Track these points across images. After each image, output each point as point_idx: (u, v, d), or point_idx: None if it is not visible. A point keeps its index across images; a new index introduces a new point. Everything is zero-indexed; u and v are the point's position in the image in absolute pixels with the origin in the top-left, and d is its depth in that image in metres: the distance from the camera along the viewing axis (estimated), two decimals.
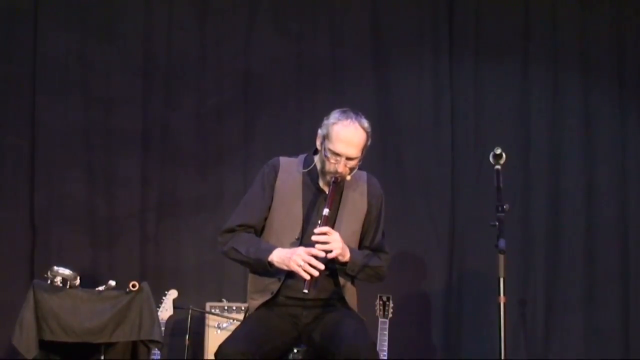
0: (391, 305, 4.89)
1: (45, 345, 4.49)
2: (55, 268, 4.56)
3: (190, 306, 4.88)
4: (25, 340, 4.37)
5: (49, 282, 4.53)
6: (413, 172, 5.54)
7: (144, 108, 5.42)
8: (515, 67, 5.63)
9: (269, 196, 3.47)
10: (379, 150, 5.53)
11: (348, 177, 3.45)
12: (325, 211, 3.32)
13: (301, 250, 3.29)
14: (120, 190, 5.35)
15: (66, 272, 4.56)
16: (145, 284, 4.61)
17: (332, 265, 3.42)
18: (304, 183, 3.48)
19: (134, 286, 4.54)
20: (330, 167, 3.40)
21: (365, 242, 3.57)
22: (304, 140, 5.32)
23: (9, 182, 5.27)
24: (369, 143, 3.46)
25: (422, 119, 5.58)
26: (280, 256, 3.33)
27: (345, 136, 3.39)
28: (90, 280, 4.92)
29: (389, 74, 5.59)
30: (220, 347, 3.20)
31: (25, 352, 4.36)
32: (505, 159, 3.50)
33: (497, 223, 3.35)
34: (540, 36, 5.64)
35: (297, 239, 3.40)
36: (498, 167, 3.50)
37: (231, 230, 3.46)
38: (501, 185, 3.46)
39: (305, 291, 3.24)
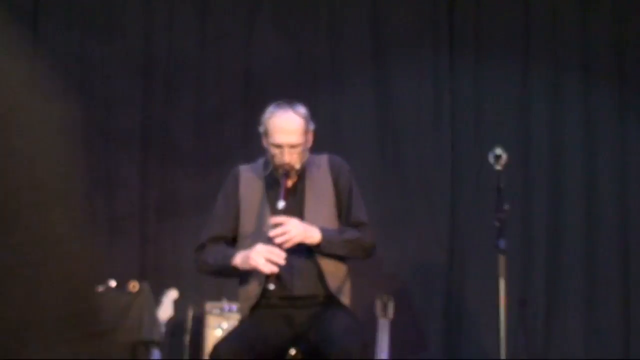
0: (391, 305, 4.89)
1: None
2: None
3: (190, 306, 4.88)
4: None
5: None
6: (413, 172, 5.53)
7: (144, 108, 5.42)
8: (515, 67, 5.63)
9: (234, 204, 3.49)
10: (379, 150, 5.55)
11: (297, 166, 3.41)
12: (281, 204, 3.28)
13: (259, 246, 3.27)
14: (120, 190, 5.35)
15: None
16: (145, 284, 4.61)
17: (308, 254, 3.37)
18: (266, 185, 3.48)
19: (134, 286, 4.54)
20: (277, 160, 3.40)
21: (343, 221, 3.51)
22: None
23: None
24: (310, 127, 3.47)
25: (422, 119, 5.58)
26: (241, 257, 3.33)
27: (281, 125, 3.39)
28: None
29: (389, 74, 5.59)
30: (214, 347, 3.21)
31: None
32: (505, 159, 3.51)
33: (497, 223, 3.36)
34: (540, 36, 5.64)
35: (269, 240, 3.39)
36: (498, 167, 3.51)
37: (203, 247, 3.49)
38: (501, 185, 3.46)
39: (271, 287, 3.22)
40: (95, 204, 5.31)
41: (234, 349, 3.15)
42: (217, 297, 5.06)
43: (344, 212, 3.50)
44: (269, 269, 3.20)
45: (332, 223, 3.48)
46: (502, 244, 3.31)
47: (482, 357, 5.13)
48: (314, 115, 5.51)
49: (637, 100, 5.62)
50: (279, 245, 3.23)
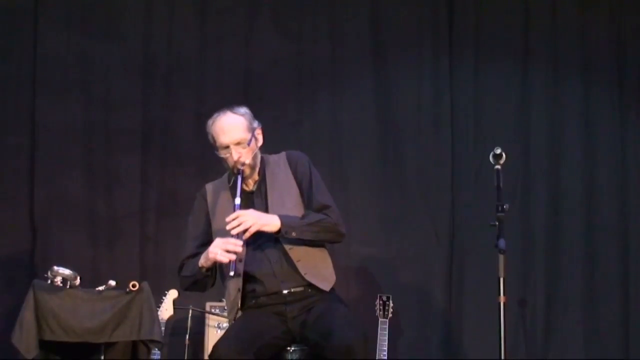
0: (391, 305, 4.89)
1: (45, 345, 4.49)
2: (55, 268, 4.56)
3: (190, 306, 4.88)
4: (25, 340, 4.37)
5: (49, 282, 4.53)
6: (413, 172, 5.53)
7: (144, 108, 5.42)
8: (515, 67, 5.63)
9: (204, 221, 3.56)
10: (379, 150, 5.54)
11: (248, 160, 3.45)
12: (237, 200, 3.34)
13: (216, 240, 3.34)
14: (120, 190, 5.35)
15: (66, 272, 4.56)
16: (145, 284, 4.61)
17: (279, 247, 3.40)
18: (233, 195, 3.47)
19: (134, 286, 4.54)
20: (229, 162, 3.46)
21: (309, 207, 3.51)
22: (304, 140, 5.34)
23: (9, 182, 5.28)
24: (254, 124, 3.53)
25: (422, 119, 5.58)
26: (203, 256, 3.40)
27: (222, 126, 3.49)
28: (90, 280, 4.92)
29: (389, 74, 5.59)
30: (214, 348, 3.23)
31: (25, 352, 4.36)
32: (505, 159, 3.51)
33: (497, 223, 3.36)
34: (540, 36, 5.64)
35: (243, 246, 3.38)
36: (498, 167, 3.51)
37: (182, 267, 3.59)
38: (501, 185, 3.46)
39: (231, 274, 3.28)
40: (95, 204, 5.32)
41: (234, 348, 3.17)
42: (217, 297, 5.06)
43: (306, 199, 3.52)
44: (226, 257, 3.27)
45: (298, 211, 3.50)
46: (502, 243, 3.31)
47: (482, 357, 5.13)
48: (314, 115, 5.56)
49: (637, 100, 5.62)
50: (237, 236, 3.28)
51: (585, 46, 5.64)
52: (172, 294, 4.86)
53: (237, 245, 3.27)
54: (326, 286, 3.46)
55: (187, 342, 4.87)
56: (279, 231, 3.36)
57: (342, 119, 5.56)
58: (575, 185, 5.53)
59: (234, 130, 3.47)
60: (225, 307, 3.63)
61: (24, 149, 5.28)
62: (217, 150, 3.50)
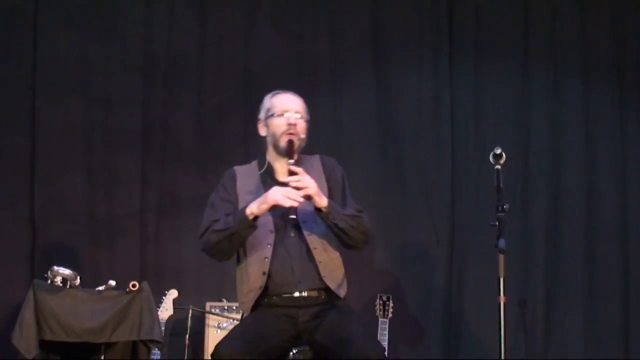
0: (391, 305, 4.89)
1: (45, 345, 4.49)
2: (55, 268, 4.56)
3: (190, 306, 4.88)
4: (25, 340, 4.37)
5: (49, 282, 4.53)
6: (413, 172, 5.53)
7: (144, 108, 5.42)
8: (515, 67, 5.64)
9: (233, 198, 3.52)
10: (379, 150, 5.55)
11: (302, 135, 3.50)
12: (290, 162, 3.38)
13: (275, 188, 3.33)
14: (120, 190, 5.35)
15: (66, 272, 4.56)
16: (145, 284, 4.61)
17: (305, 246, 3.40)
18: (263, 182, 3.51)
19: (134, 286, 4.54)
20: (282, 127, 3.48)
21: None
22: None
23: (9, 182, 5.28)
24: (308, 115, 3.57)
25: (422, 119, 5.58)
26: (256, 202, 3.34)
27: (286, 96, 3.57)
28: (90, 280, 4.92)
29: (389, 74, 5.59)
30: (216, 347, 3.20)
31: (25, 352, 4.36)
32: (505, 159, 3.51)
33: (497, 223, 3.36)
34: (540, 36, 5.64)
35: (271, 232, 3.41)
36: (498, 167, 3.50)
37: (205, 230, 3.48)
38: (501, 185, 3.46)
39: (292, 216, 3.27)
40: (95, 204, 5.32)
41: (237, 348, 3.16)
42: (217, 297, 5.06)
43: (337, 203, 3.51)
44: (288, 202, 3.26)
45: None
46: (502, 243, 3.30)
47: (482, 357, 5.13)
48: (314, 115, 5.52)
49: (637, 100, 5.62)
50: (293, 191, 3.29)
51: (585, 46, 5.64)
52: (172, 294, 4.86)
53: (298, 196, 3.27)
54: (341, 293, 3.46)
55: (187, 342, 4.87)
56: (321, 210, 3.37)
57: (342, 118, 5.56)
58: (575, 185, 5.53)
59: (297, 102, 3.56)
60: (239, 292, 3.50)
61: (24, 149, 5.28)
62: (271, 117, 3.52)
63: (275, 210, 3.34)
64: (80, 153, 5.36)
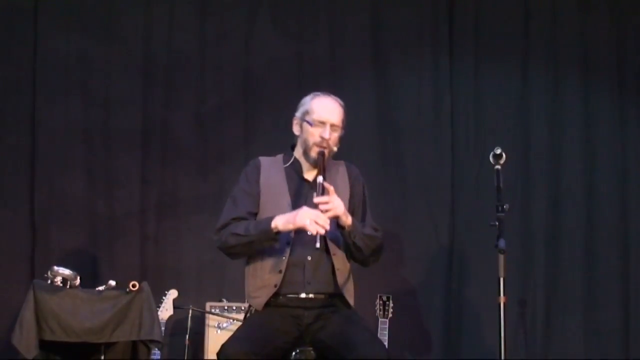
0: (391, 305, 4.89)
1: (45, 345, 4.49)
2: (55, 268, 4.56)
3: (190, 306, 4.88)
4: (25, 340, 4.37)
5: (49, 282, 4.53)
6: (413, 172, 5.53)
7: (144, 108, 5.42)
8: (515, 67, 5.63)
9: (256, 191, 3.51)
10: (379, 150, 5.54)
11: (334, 149, 3.51)
12: (319, 179, 3.36)
13: (305, 208, 3.32)
14: (120, 190, 5.35)
15: (66, 272, 4.56)
16: (145, 284, 4.61)
17: (335, 235, 3.41)
18: (287, 176, 3.53)
19: (134, 286, 4.54)
20: (315, 137, 3.47)
21: None
22: None
23: (9, 182, 5.28)
24: (345, 122, 3.56)
25: (422, 119, 5.58)
26: (284, 218, 3.34)
27: (327, 104, 3.52)
28: (90, 280, 4.92)
29: (389, 74, 5.59)
30: (223, 347, 3.21)
31: (25, 352, 4.36)
32: (505, 159, 3.51)
33: (497, 223, 3.36)
34: (540, 36, 5.64)
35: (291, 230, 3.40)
36: (498, 167, 3.51)
37: (224, 226, 3.46)
38: (501, 185, 3.46)
39: (317, 245, 3.25)
40: (95, 204, 5.32)
41: (243, 349, 3.16)
42: (217, 297, 5.06)
43: (357, 216, 3.55)
44: (315, 228, 3.25)
45: None
46: (502, 243, 3.30)
47: (482, 357, 5.13)
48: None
49: (637, 100, 5.62)
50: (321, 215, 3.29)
51: (585, 46, 5.64)
52: (172, 294, 4.86)
53: (326, 222, 3.27)
54: (352, 301, 3.51)
55: (187, 342, 4.87)
56: (345, 228, 3.39)
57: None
58: (575, 185, 5.53)
59: (337, 113, 3.52)
60: (249, 286, 3.50)
61: (24, 149, 5.28)
62: (303, 123, 3.50)
63: (301, 232, 3.34)
64: (80, 153, 5.36)
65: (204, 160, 5.45)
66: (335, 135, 3.51)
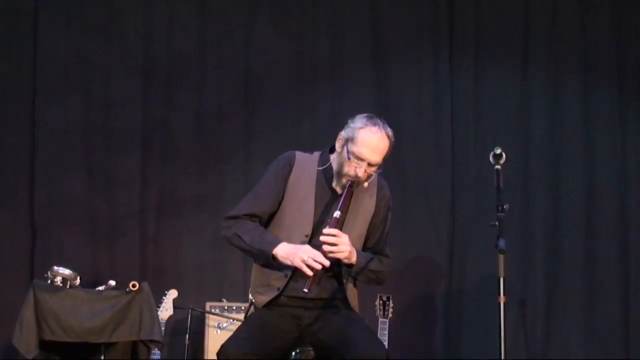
0: (391, 305, 4.89)
1: (45, 345, 4.49)
2: (55, 268, 4.56)
3: (190, 306, 4.89)
4: (25, 340, 4.37)
5: (49, 282, 4.54)
6: (413, 172, 5.53)
7: (144, 108, 5.42)
8: (515, 67, 5.63)
9: (281, 189, 3.45)
10: None
11: (365, 184, 3.42)
12: (337, 214, 3.31)
13: (307, 247, 3.29)
14: (120, 190, 5.35)
15: (66, 272, 4.56)
16: (145, 284, 4.61)
17: (337, 269, 3.42)
18: (317, 181, 3.46)
19: (134, 286, 4.54)
20: (350, 170, 3.37)
21: (369, 244, 3.55)
22: (304, 140, 5.34)
23: (9, 182, 5.28)
24: (389, 152, 3.45)
25: (422, 119, 5.58)
26: (285, 251, 3.31)
27: (372, 142, 3.36)
28: (90, 280, 4.92)
29: (389, 74, 5.59)
30: (222, 347, 3.21)
31: (25, 352, 4.36)
32: (505, 159, 3.50)
33: (497, 223, 3.35)
34: (540, 36, 5.64)
35: (307, 236, 3.39)
36: (498, 167, 3.50)
37: (235, 217, 3.43)
38: (501, 185, 3.46)
39: (306, 290, 3.22)
40: (95, 204, 5.32)
41: (243, 348, 3.17)
42: (217, 297, 5.06)
43: (373, 237, 3.54)
44: (307, 271, 3.23)
45: (361, 243, 3.51)
46: (502, 243, 3.30)
47: (482, 357, 5.13)
48: (314, 115, 5.56)
49: (637, 100, 5.62)
50: (324, 253, 3.26)
51: (585, 46, 5.64)
52: (172, 294, 4.86)
53: (323, 265, 3.24)
54: (355, 306, 3.53)
55: (187, 342, 4.88)
56: (349, 265, 3.40)
57: (342, 119, 5.50)
58: (575, 185, 5.53)
59: (379, 153, 3.37)
60: (256, 280, 3.49)
61: (24, 149, 5.28)
62: (344, 148, 3.38)
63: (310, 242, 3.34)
64: (80, 153, 5.36)
65: (204, 160, 5.45)
66: (372, 169, 3.39)
